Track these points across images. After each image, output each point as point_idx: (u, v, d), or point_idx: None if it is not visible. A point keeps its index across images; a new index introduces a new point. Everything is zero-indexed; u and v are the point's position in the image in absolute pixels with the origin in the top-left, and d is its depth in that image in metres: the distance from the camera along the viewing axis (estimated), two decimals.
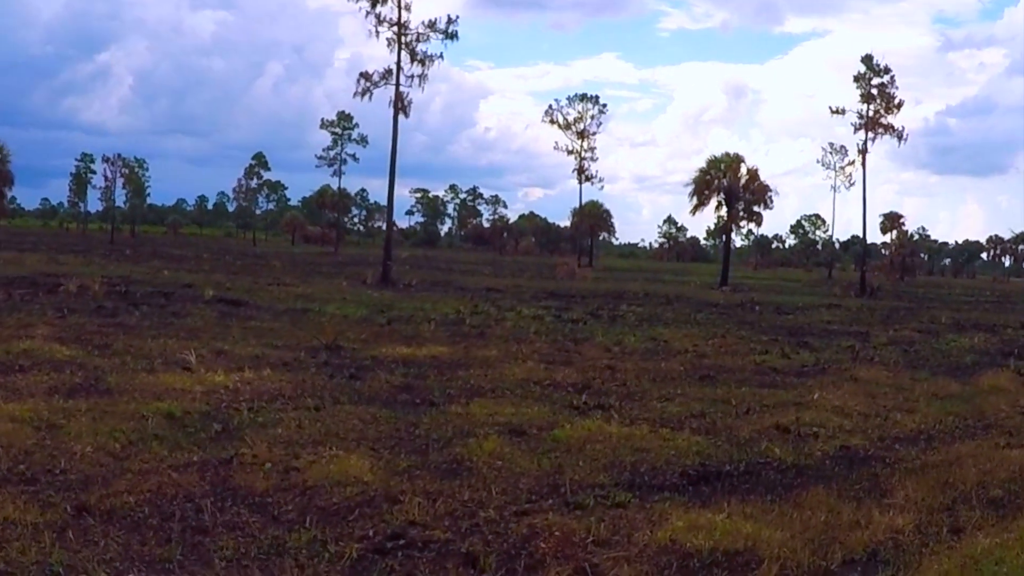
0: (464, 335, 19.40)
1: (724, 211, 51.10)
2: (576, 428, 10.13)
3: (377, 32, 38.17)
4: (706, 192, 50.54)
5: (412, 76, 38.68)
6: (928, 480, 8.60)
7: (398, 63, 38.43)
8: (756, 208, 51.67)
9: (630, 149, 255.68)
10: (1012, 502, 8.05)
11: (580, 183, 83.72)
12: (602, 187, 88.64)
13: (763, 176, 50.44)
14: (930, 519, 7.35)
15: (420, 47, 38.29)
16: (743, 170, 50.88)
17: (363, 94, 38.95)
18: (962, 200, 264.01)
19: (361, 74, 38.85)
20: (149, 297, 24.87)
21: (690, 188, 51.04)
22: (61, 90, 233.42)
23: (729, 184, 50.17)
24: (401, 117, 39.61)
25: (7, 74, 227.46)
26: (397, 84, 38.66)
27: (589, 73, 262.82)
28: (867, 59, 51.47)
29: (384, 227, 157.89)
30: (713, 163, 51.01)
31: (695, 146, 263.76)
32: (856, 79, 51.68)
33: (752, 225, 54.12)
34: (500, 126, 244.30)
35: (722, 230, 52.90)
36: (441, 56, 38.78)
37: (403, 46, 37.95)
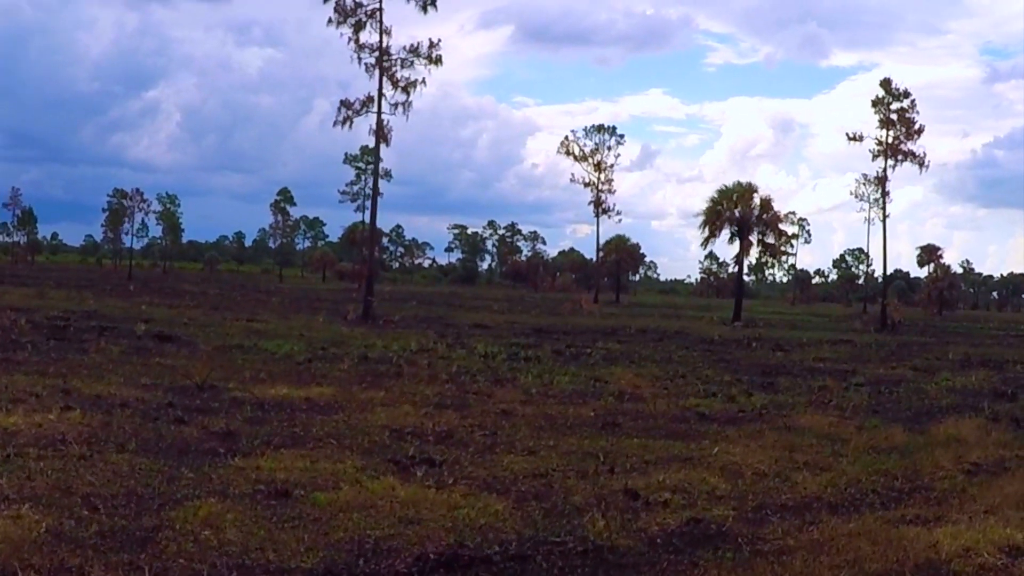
0: (378, 374, 17.54)
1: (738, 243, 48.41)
2: (356, 490, 8.20)
3: (359, 58, 36.66)
4: (716, 223, 47.88)
5: (395, 104, 37.04)
6: None
7: (379, 90, 36.71)
8: (770, 240, 48.93)
9: (677, 185, 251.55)
10: None
11: (597, 216, 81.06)
12: (619, 220, 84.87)
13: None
14: None
15: (403, 73, 36.66)
16: (756, 200, 48.19)
17: (344, 123, 37.31)
18: (1011, 233, 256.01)
19: (342, 102, 37.28)
20: (83, 332, 23.60)
21: (700, 219, 48.36)
22: (109, 127, 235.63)
23: (741, 214, 47.53)
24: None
25: (56, 111, 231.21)
26: (379, 112, 37.01)
27: (636, 108, 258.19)
28: (885, 83, 48.61)
29: (424, 264, 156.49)
30: (724, 193, 48.32)
31: (743, 181, 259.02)
32: (874, 104, 48.87)
33: (768, 257, 51.46)
34: (548, 162, 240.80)
35: (736, 263, 50.15)
36: (424, 82, 36.97)
37: (384, 72, 36.37)
